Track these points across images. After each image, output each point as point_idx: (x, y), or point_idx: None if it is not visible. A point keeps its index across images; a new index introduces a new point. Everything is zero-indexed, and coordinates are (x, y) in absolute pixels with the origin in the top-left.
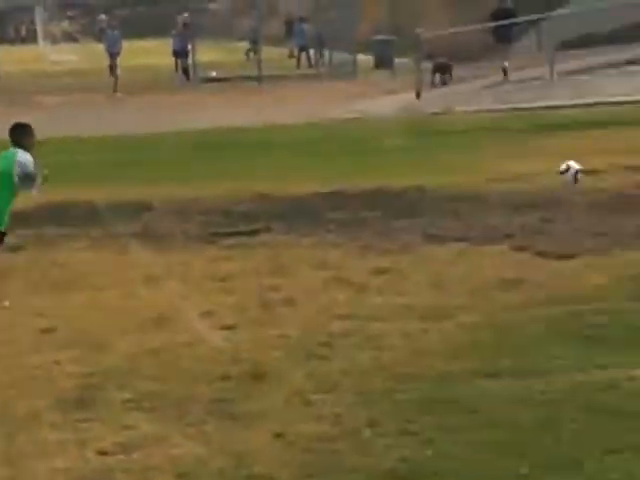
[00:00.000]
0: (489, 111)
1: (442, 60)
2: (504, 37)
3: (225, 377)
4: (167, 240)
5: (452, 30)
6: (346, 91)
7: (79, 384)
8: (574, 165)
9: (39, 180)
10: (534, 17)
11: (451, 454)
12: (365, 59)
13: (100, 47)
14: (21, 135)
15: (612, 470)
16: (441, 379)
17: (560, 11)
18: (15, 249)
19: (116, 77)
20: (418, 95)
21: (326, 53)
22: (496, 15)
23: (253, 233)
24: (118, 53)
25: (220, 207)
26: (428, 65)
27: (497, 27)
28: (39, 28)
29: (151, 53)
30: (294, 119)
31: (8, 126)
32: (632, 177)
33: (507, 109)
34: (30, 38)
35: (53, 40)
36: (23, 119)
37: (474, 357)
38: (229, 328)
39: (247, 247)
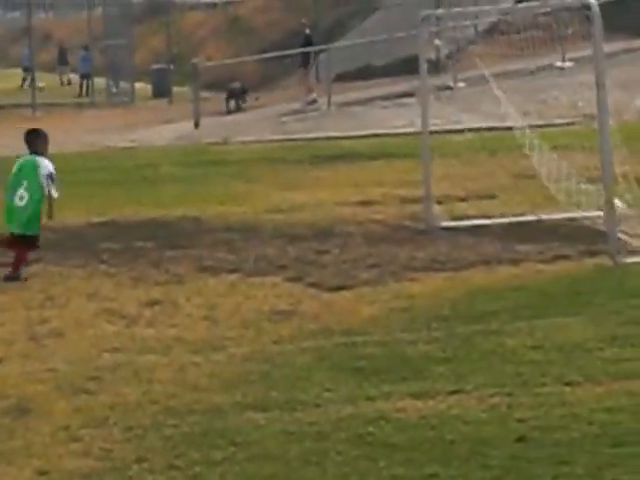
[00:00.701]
0: (267, 141)
1: (235, 85)
2: (305, 63)
3: None
4: None
5: (228, 60)
6: (123, 119)
7: None
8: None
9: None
10: (314, 48)
11: None
12: (143, 87)
13: None
14: (37, 140)
15: None
16: (211, 412)
17: (337, 43)
18: None
19: None
20: (196, 124)
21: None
22: (302, 43)
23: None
24: None
25: None
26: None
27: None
28: None
29: None
30: (68, 148)
31: None
32: (406, 208)
33: (285, 139)
34: None
35: None
36: None
37: (244, 390)
38: None
39: (18, 280)
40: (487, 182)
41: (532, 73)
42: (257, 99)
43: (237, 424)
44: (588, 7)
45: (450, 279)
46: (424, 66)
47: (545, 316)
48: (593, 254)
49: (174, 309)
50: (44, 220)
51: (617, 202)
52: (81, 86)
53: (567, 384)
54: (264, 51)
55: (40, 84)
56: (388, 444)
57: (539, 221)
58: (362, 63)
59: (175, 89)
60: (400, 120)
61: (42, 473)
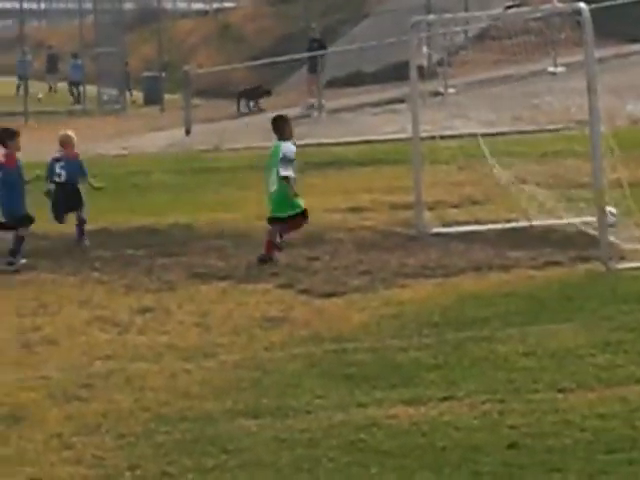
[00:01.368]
0: (258, 148)
1: (248, 86)
2: (315, 68)
3: None
4: None
5: (219, 68)
6: (115, 127)
7: None
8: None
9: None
10: (305, 54)
11: None
12: (135, 95)
13: None
14: (281, 126)
15: None
16: (202, 420)
17: (329, 49)
18: None
19: None
20: (188, 132)
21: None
22: (310, 46)
23: (16, 272)
24: None
25: None
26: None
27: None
28: None
29: None
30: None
31: None
32: (396, 215)
33: None
34: None
35: None
36: None
37: (235, 397)
38: None
39: (9, 286)
40: (478, 188)
41: (524, 78)
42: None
43: (228, 431)
44: (579, 12)
45: (441, 285)
46: (414, 72)
47: (537, 322)
48: (585, 260)
49: (166, 316)
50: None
51: (609, 208)
52: (72, 93)
53: (559, 391)
54: (254, 58)
55: (39, 95)
56: (380, 451)
57: (530, 227)
58: (352, 69)
59: (166, 96)
60: (390, 126)
61: None
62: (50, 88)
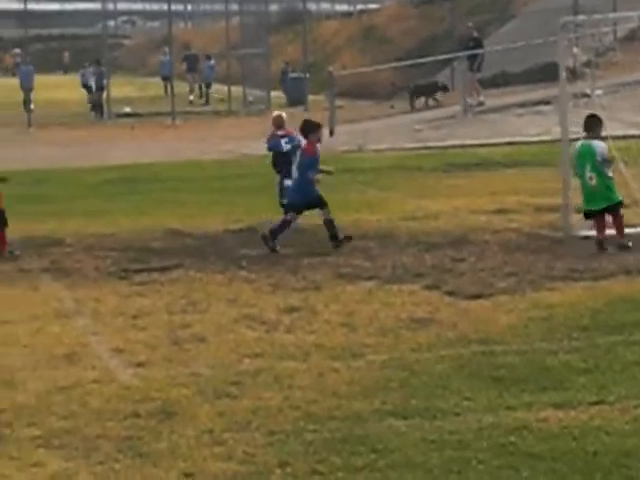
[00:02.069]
0: (401, 149)
1: (423, 82)
2: (474, 67)
3: (135, 415)
4: (78, 276)
5: (363, 69)
6: (260, 127)
7: None
8: None
9: None
10: (450, 55)
11: None
12: (278, 96)
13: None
14: (593, 125)
15: None
16: (351, 419)
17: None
18: None
19: (29, 111)
20: (331, 132)
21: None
22: (470, 45)
23: (165, 269)
24: (32, 88)
25: (132, 243)
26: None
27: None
28: None
29: (64, 87)
30: (207, 155)
31: None
32: (542, 217)
33: (420, 147)
34: None
35: None
36: None
37: (384, 397)
38: (140, 365)
39: (159, 283)
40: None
41: None
42: (392, 107)
43: (377, 431)
44: None
45: (590, 289)
46: (563, 73)
47: None
48: None
49: (312, 315)
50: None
51: None
52: (207, 94)
53: None
54: (398, 59)
55: (191, 97)
56: (530, 454)
57: None
58: (498, 70)
59: (310, 97)
60: (536, 128)
61: (187, 475)
62: (190, 89)
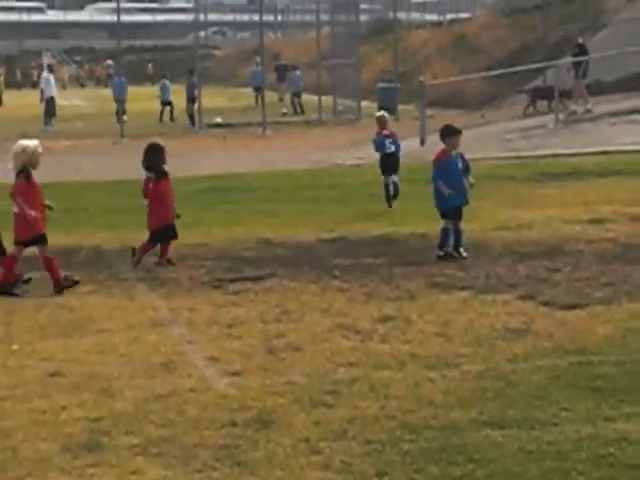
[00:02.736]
0: (493, 159)
1: (542, 85)
2: (579, 74)
3: (232, 423)
4: (173, 285)
5: (454, 78)
6: (350, 137)
7: (87, 429)
8: None
9: None
10: (539, 65)
11: None
12: (368, 105)
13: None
14: None
15: None
16: (448, 429)
17: (566, 59)
18: (23, 293)
19: (122, 122)
20: (422, 142)
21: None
22: (575, 52)
23: (259, 279)
24: (124, 99)
25: (226, 253)
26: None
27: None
28: (44, 74)
29: (156, 98)
30: (298, 165)
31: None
32: (638, 227)
33: (511, 157)
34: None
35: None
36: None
37: (480, 407)
38: (235, 374)
39: (253, 293)
40: None
41: None
42: (482, 117)
43: (475, 441)
44: None
45: None
46: None
47: None
48: None
49: (407, 325)
50: None
51: None
52: (294, 104)
53: None
54: (489, 68)
55: (284, 110)
56: (630, 465)
57: None
58: (590, 79)
59: (401, 107)
60: (629, 137)
61: None
62: (280, 99)
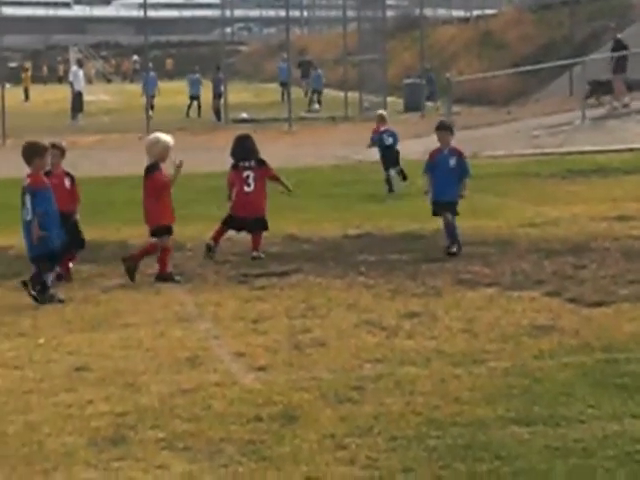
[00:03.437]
0: (519, 155)
1: (603, 79)
2: (618, 69)
3: (258, 418)
4: (199, 280)
5: (480, 75)
6: None
7: (112, 423)
8: None
9: None
10: (567, 61)
11: None
12: (394, 102)
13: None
14: None
15: None
16: (474, 425)
17: (593, 56)
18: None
19: (149, 118)
20: None
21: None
22: (614, 47)
23: (285, 274)
24: (154, 95)
25: (250, 248)
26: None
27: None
28: (73, 68)
29: (182, 93)
30: (324, 161)
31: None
32: None
33: (538, 153)
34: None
35: (87, 80)
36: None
37: (506, 404)
38: (261, 369)
39: (279, 288)
40: None
41: None
42: (508, 113)
43: (500, 438)
44: None
45: None
46: None
47: None
48: None
49: (433, 321)
50: None
51: None
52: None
53: None
54: (516, 65)
55: (316, 106)
56: None
57: None
58: None
59: (427, 103)
60: None
61: (310, 479)
62: (305, 94)
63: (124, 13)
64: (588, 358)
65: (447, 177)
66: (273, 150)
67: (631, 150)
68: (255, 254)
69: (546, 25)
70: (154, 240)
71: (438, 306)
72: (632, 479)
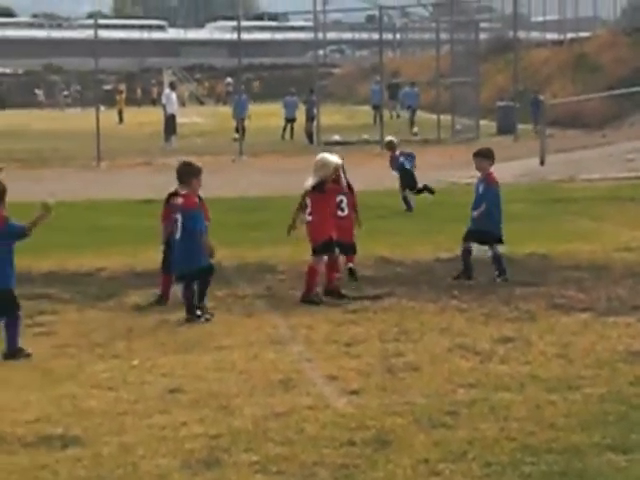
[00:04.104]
0: (614, 179)
1: None
2: None
3: (350, 443)
4: (291, 303)
5: (574, 98)
6: (468, 156)
7: (206, 445)
8: None
9: None
10: None
11: None
12: (487, 124)
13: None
14: None
15: None
16: (569, 452)
17: None
18: (143, 309)
19: (241, 140)
20: (542, 162)
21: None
22: None
23: (377, 298)
24: (244, 117)
25: (344, 271)
26: (551, 131)
27: None
28: (166, 91)
29: (275, 116)
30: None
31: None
32: None
33: (633, 177)
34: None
35: (180, 102)
36: (149, 181)
37: (602, 430)
38: (354, 393)
39: (371, 311)
40: None
41: None
42: (603, 136)
43: (597, 465)
44: None
45: None
46: None
47: None
48: None
49: (527, 346)
50: None
51: None
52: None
53: None
54: (610, 88)
55: (414, 129)
56: None
57: None
58: None
59: (520, 126)
60: None
61: None
62: (391, 115)
63: (217, 36)
64: None
65: (476, 205)
66: (363, 172)
67: None
68: (351, 265)
69: None
70: (311, 262)
71: (532, 331)
72: None
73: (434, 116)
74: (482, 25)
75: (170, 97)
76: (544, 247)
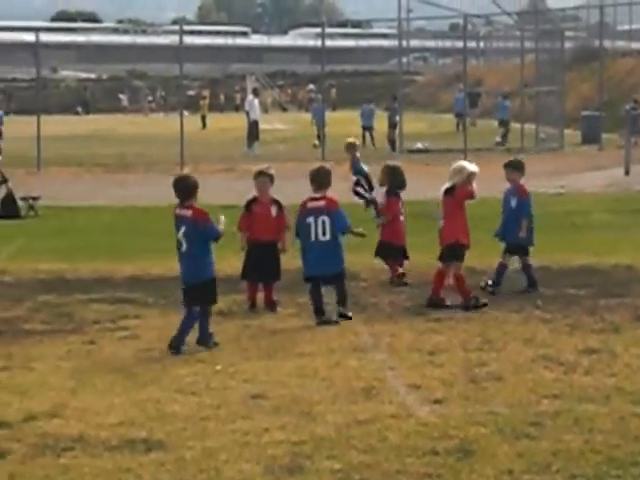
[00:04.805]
0: None
1: None
2: None
3: (433, 452)
4: (374, 310)
5: None
6: (553, 166)
7: (289, 451)
8: None
9: None
10: None
11: None
12: (571, 134)
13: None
14: None
15: None
16: None
17: None
18: (226, 314)
19: (322, 146)
20: (627, 171)
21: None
22: None
23: (478, 307)
24: (324, 124)
25: (427, 278)
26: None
27: None
28: (249, 97)
29: (353, 123)
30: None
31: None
32: None
33: None
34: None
35: (263, 109)
36: (230, 187)
37: None
38: (437, 402)
39: (454, 321)
40: None
41: None
42: None
43: None
44: None
45: None
46: None
47: None
48: None
49: (612, 358)
50: None
51: None
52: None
53: None
54: None
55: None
56: None
57: None
58: None
59: (605, 135)
60: None
61: None
62: (470, 123)
63: (301, 42)
64: None
65: (508, 217)
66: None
67: None
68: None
69: None
70: (441, 267)
71: (617, 342)
72: None
73: (518, 125)
74: (567, 34)
75: (253, 103)
76: (629, 258)
